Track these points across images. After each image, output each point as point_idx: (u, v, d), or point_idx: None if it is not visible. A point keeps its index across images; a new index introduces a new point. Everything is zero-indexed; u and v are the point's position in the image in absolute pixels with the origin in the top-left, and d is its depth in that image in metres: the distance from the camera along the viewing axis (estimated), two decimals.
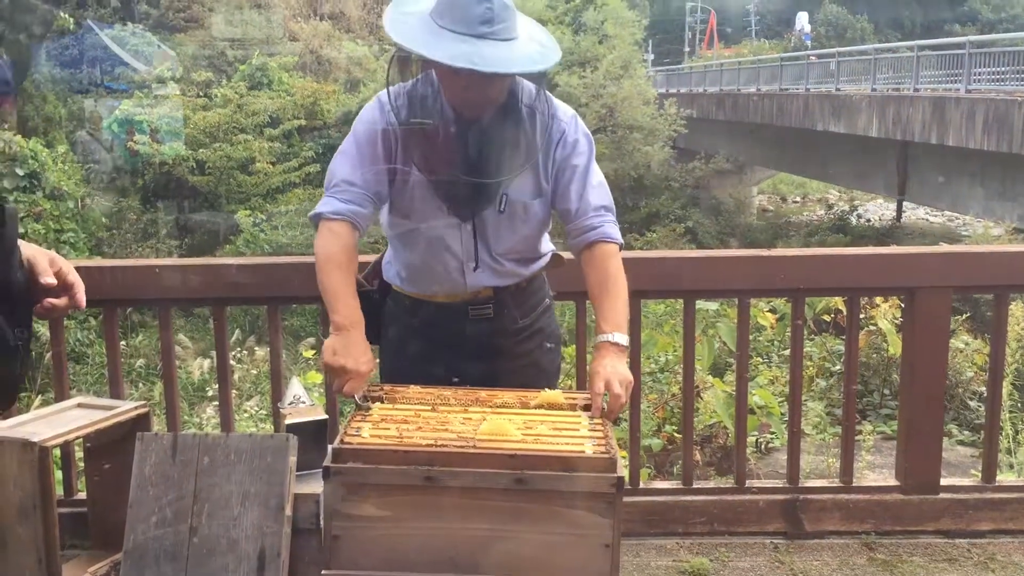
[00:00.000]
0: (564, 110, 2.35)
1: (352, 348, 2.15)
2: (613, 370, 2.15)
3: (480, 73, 2.03)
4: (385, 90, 2.26)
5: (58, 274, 1.59)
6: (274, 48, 23.18)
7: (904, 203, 24.75)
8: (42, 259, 1.58)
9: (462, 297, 2.38)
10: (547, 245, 2.52)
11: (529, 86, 2.29)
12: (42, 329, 3.06)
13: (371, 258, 2.65)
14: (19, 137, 14.40)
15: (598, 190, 2.35)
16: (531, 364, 2.46)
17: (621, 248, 2.37)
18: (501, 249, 2.36)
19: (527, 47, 2.12)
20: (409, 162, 2.26)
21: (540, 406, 2.11)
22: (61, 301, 1.59)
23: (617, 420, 4.49)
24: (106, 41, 20.25)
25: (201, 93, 20.86)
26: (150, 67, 20.26)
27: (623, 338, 2.24)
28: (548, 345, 2.52)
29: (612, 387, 2.10)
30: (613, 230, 2.35)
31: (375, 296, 2.50)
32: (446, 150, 2.22)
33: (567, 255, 2.58)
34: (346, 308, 2.19)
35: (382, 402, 2.14)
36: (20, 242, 1.54)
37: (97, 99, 18.91)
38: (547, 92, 2.30)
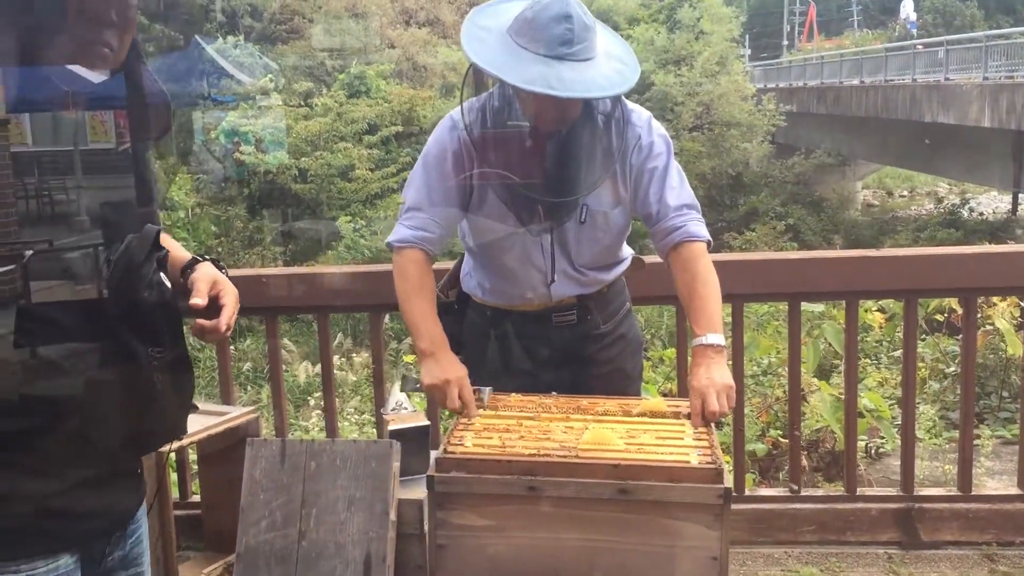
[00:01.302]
0: (639, 114, 2.30)
1: (443, 364, 2.17)
2: (709, 380, 2.10)
3: (557, 98, 2.01)
4: (458, 108, 2.25)
5: (215, 297, 1.62)
6: (371, 56, 23.59)
7: (1020, 196, 23.64)
8: (204, 282, 1.61)
9: (546, 305, 2.37)
10: (627, 250, 2.49)
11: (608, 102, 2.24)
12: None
13: (448, 265, 2.65)
14: (132, 150, 14.98)
15: (678, 190, 2.30)
16: (616, 370, 2.43)
17: (710, 245, 2.30)
18: (584, 260, 2.34)
19: (606, 67, 2.08)
20: (485, 177, 2.24)
21: (643, 414, 2.08)
22: (210, 324, 1.61)
23: (720, 424, 4.42)
24: (212, 55, 20.92)
25: (302, 103, 21.36)
26: (254, 79, 20.87)
27: (718, 338, 2.17)
28: (631, 350, 2.50)
29: (708, 403, 2.05)
30: (697, 228, 2.28)
31: (455, 307, 2.50)
32: (522, 164, 2.19)
33: (649, 259, 2.55)
34: (428, 333, 2.22)
35: (484, 409, 2.15)
36: (203, 263, 1.62)
37: (204, 111, 19.57)
38: (622, 98, 2.24)
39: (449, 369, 2.16)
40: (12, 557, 1.37)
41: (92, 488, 1.46)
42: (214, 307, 1.62)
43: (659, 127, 2.33)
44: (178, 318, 1.53)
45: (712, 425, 2.03)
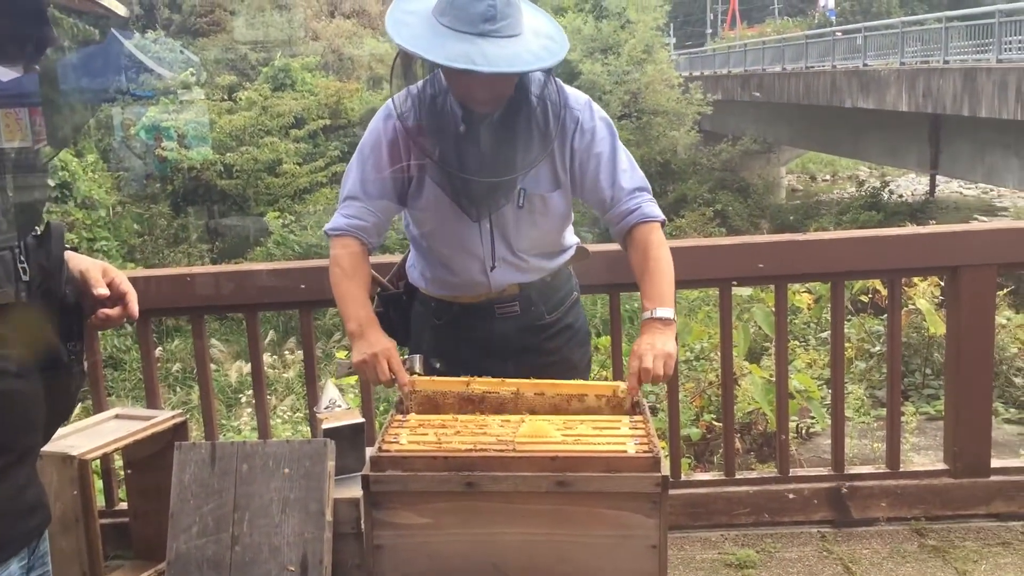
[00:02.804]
0: (576, 97, 2.29)
1: (370, 339, 2.17)
2: (650, 345, 2.12)
3: (481, 74, 1.99)
4: (391, 98, 2.23)
5: (111, 284, 1.59)
6: (296, 49, 23.24)
7: (937, 177, 24.38)
8: (94, 271, 1.59)
9: (487, 296, 2.34)
10: (571, 238, 2.47)
11: (539, 76, 2.21)
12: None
13: (396, 259, 2.62)
14: (48, 148, 14.53)
15: (630, 172, 2.30)
16: (561, 360, 2.41)
17: (663, 224, 2.32)
18: (523, 245, 2.31)
19: (532, 43, 2.06)
20: (421, 163, 2.24)
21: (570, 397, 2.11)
22: (115, 311, 1.60)
23: (655, 410, 4.43)
24: (130, 49, 20.40)
25: (225, 97, 20.97)
26: (174, 73, 20.39)
27: (666, 311, 2.19)
28: (577, 340, 2.49)
29: (644, 362, 2.09)
30: (651, 208, 2.30)
31: (403, 298, 2.48)
32: (457, 149, 2.18)
33: (593, 247, 2.54)
34: (356, 315, 2.22)
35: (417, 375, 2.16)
36: (73, 255, 1.55)
37: (124, 107, 19.07)
38: (557, 81, 2.23)
39: (376, 343, 2.16)
40: None
41: (26, 485, 1.47)
42: (115, 295, 1.60)
43: (600, 111, 2.32)
44: (81, 311, 1.52)
45: (647, 411, 2.03)
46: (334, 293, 2.28)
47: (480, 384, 2.11)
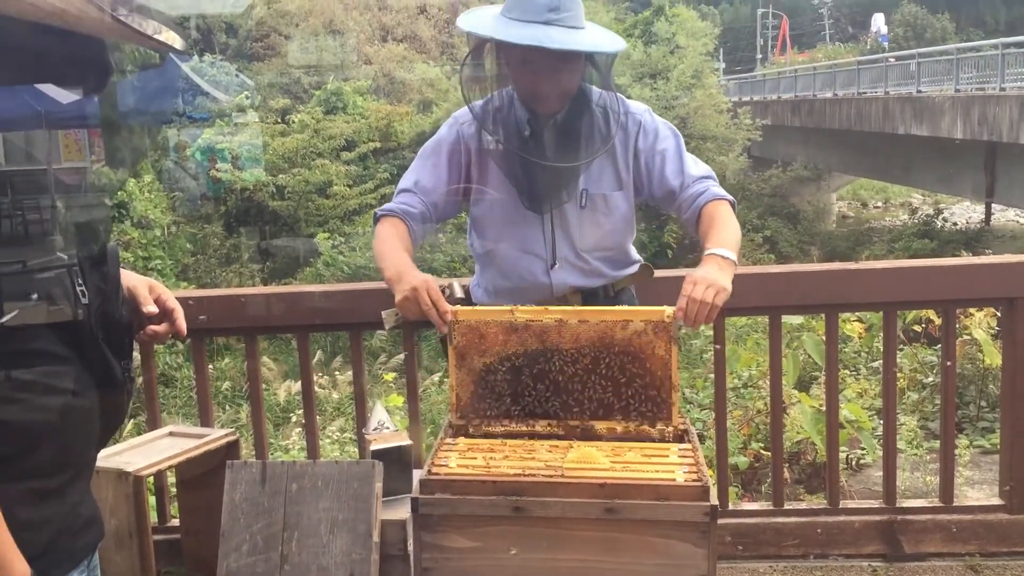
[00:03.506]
0: (637, 105, 2.43)
1: (406, 278, 2.18)
2: (704, 274, 2.09)
3: (547, 51, 2.13)
4: (464, 108, 2.40)
5: (158, 301, 1.64)
6: (348, 73, 23.59)
7: (993, 205, 23.93)
8: (142, 288, 1.63)
9: (549, 303, 2.36)
10: (635, 254, 2.52)
11: (600, 91, 2.36)
12: (134, 354, 3.15)
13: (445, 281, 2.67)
14: (107, 168, 14.88)
15: (694, 164, 2.38)
16: None
17: (734, 206, 2.34)
18: (586, 245, 2.37)
19: (594, 35, 2.23)
20: (484, 164, 2.36)
21: (627, 431, 2.07)
22: (162, 328, 1.65)
23: (702, 438, 4.38)
24: (187, 72, 20.85)
25: (279, 119, 21.33)
26: (229, 96, 20.80)
27: (728, 252, 2.17)
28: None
29: (695, 289, 2.05)
30: (720, 191, 2.34)
31: None
32: (521, 143, 2.31)
33: (660, 273, 2.56)
34: (392, 261, 2.26)
35: (467, 431, 2.13)
36: (121, 271, 1.59)
37: (180, 129, 19.48)
38: (619, 94, 2.36)
39: (414, 278, 2.17)
40: None
41: (82, 500, 1.51)
42: (162, 312, 1.66)
43: (661, 118, 2.43)
44: (132, 330, 1.58)
45: (696, 439, 2.02)
46: (375, 256, 2.35)
47: (524, 312, 2.08)
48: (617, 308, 2.10)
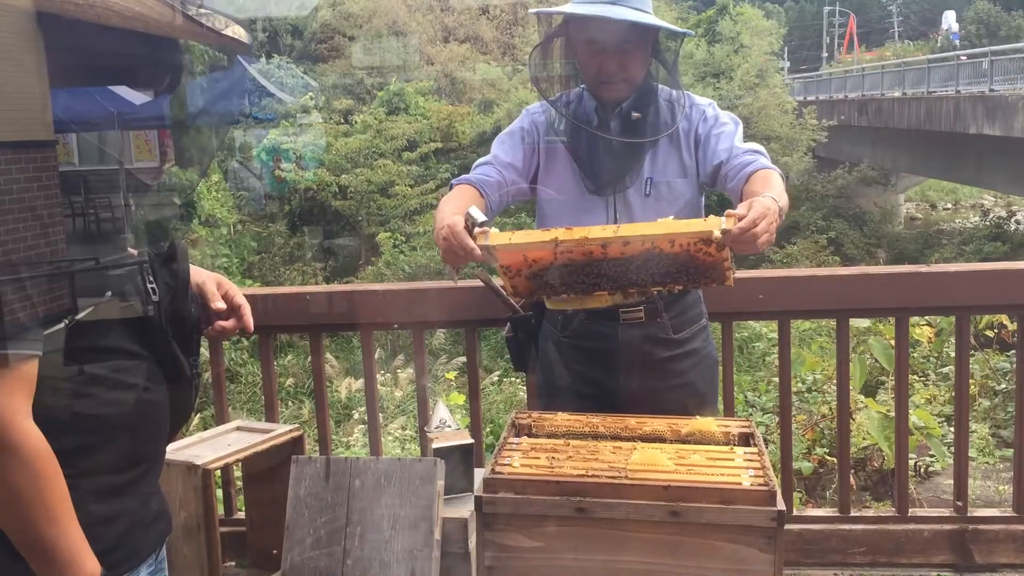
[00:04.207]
0: (702, 99, 2.46)
1: (437, 232, 2.14)
2: (769, 209, 1.92)
3: (612, 24, 2.21)
4: (536, 103, 2.50)
5: (225, 297, 1.66)
6: (410, 73, 23.79)
7: None
8: (211, 284, 1.66)
9: (612, 300, 2.35)
10: None
11: (668, 88, 2.41)
12: (202, 350, 3.23)
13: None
14: (178, 168, 15.22)
15: (750, 144, 2.36)
16: (687, 384, 2.40)
17: (784, 178, 2.23)
18: None
19: (659, 19, 2.31)
20: (553, 146, 2.42)
21: (691, 434, 2.05)
22: (230, 324, 1.67)
23: (766, 442, 4.34)
24: (254, 74, 21.23)
25: (342, 120, 21.59)
26: (294, 97, 21.12)
27: (779, 197, 2.03)
28: (705, 366, 2.47)
29: (760, 225, 1.87)
30: (770, 163, 2.26)
31: (531, 320, 2.53)
32: (588, 124, 2.38)
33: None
34: (440, 216, 2.17)
35: (530, 431, 2.13)
36: (190, 268, 1.62)
37: (246, 129, 19.83)
38: (684, 89, 2.41)
39: (440, 230, 2.11)
40: None
41: (152, 493, 1.55)
42: (230, 308, 1.68)
43: (726, 112, 2.46)
44: (199, 327, 1.60)
45: (762, 443, 2.00)
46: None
47: (565, 241, 1.93)
48: (661, 223, 1.94)
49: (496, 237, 1.99)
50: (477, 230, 2.04)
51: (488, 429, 5.74)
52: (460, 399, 6.01)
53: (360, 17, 26.28)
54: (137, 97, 1.64)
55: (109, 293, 1.43)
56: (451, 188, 2.43)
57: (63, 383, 1.38)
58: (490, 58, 25.97)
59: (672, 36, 2.39)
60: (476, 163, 2.49)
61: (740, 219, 1.86)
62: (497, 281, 2.26)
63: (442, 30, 27.28)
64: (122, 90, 1.60)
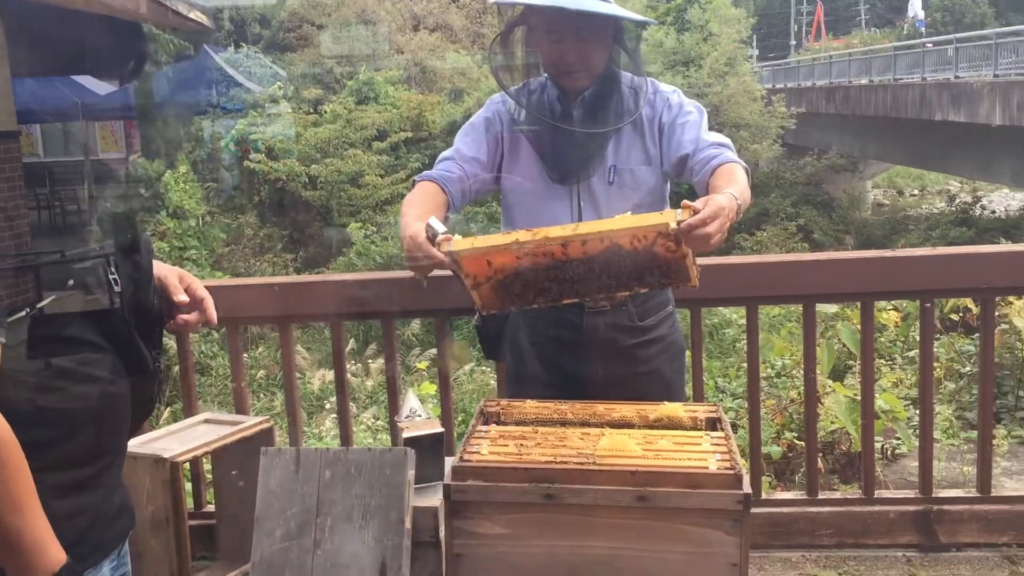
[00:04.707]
0: (667, 87, 2.46)
1: (404, 234, 2.16)
2: (725, 208, 1.93)
3: (569, 13, 2.19)
4: (498, 93, 2.48)
5: (188, 290, 1.65)
6: (380, 62, 23.64)
7: None
8: (172, 277, 1.65)
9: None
10: None
11: (630, 75, 2.40)
12: (170, 343, 3.21)
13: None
14: (143, 159, 15.06)
15: (715, 136, 2.36)
16: (653, 372, 2.42)
17: (748, 173, 2.23)
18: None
19: (621, 8, 2.29)
20: (516, 136, 2.41)
21: (659, 419, 2.07)
22: (193, 317, 1.66)
23: (735, 427, 4.36)
24: (221, 63, 21.01)
25: (311, 110, 21.43)
26: (263, 87, 20.94)
27: (739, 193, 2.05)
28: (671, 354, 2.48)
29: (712, 224, 1.87)
30: (735, 157, 2.26)
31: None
32: (551, 113, 2.37)
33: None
34: (404, 228, 2.19)
35: (499, 419, 2.14)
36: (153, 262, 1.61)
37: (214, 119, 19.64)
38: (648, 78, 2.40)
39: (404, 239, 2.15)
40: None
41: (115, 487, 1.53)
42: (193, 301, 1.67)
43: (690, 100, 2.45)
44: (162, 319, 1.59)
45: (729, 427, 2.01)
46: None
47: (525, 242, 1.95)
48: (618, 219, 1.96)
49: (459, 243, 2.00)
50: (440, 238, 2.04)
51: (460, 418, 5.74)
52: (432, 389, 6.01)
53: (328, 5, 26.07)
54: (102, 87, 1.62)
55: (72, 282, 1.42)
56: (414, 184, 2.43)
57: (25, 376, 1.36)
58: (460, 47, 25.88)
59: (634, 24, 2.40)
60: (439, 157, 2.49)
61: (696, 212, 1.88)
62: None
63: (411, 19, 27.13)
64: (87, 80, 1.59)
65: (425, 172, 2.45)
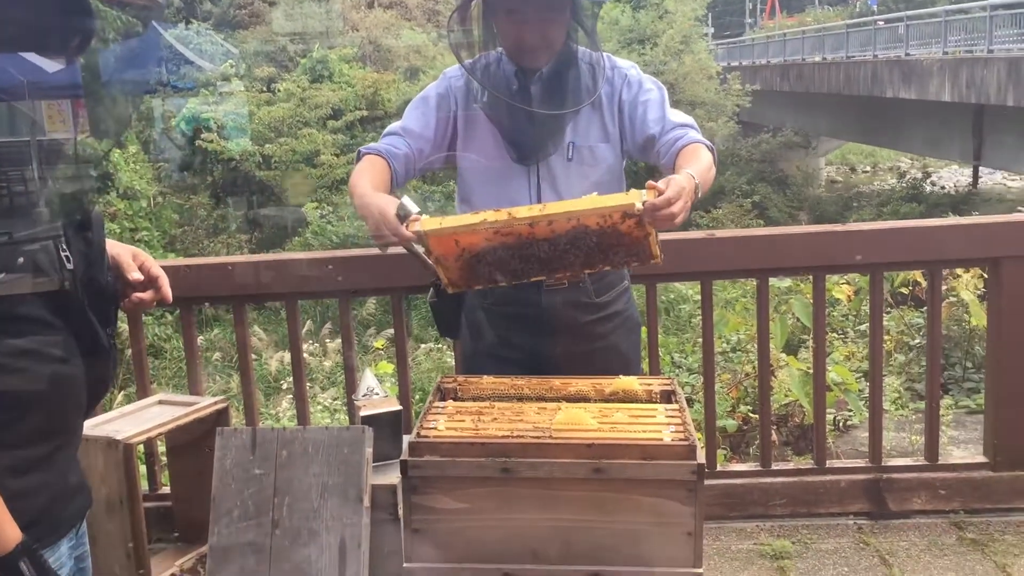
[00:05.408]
0: (624, 62, 2.46)
1: (367, 213, 2.18)
2: (687, 188, 1.98)
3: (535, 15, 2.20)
4: (454, 66, 2.44)
5: (142, 268, 1.64)
6: (334, 40, 23.35)
7: (980, 168, 23.97)
8: (126, 255, 1.63)
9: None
10: None
11: (587, 50, 2.39)
12: (122, 325, 3.17)
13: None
14: (91, 139, 14.72)
15: (679, 116, 2.36)
16: (610, 347, 2.43)
17: (714, 153, 2.26)
18: (573, 197, 2.35)
19: None
20: (471, 114, 2.39)
21: (615, 393, 2.09)
22: (147, 295, 1.65)
23: (691, 401, 4.41)
24: (171, 41, 20.64)
25: (264, 88, 21.12)
26: (214, 65, 20.60)
27: (699, 173, 2.09)
28: (627, 328, 2.50)
29: (675, 204, 1.92)
30: (700, 137, 2.29)
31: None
32: (509, 92, 2.35)
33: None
34: (360, 194, 2.23)
35: (456, 395, 2.14)
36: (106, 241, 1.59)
37: (164, 99, 19.29)
38: (605, 53, 2.40)
39: (370, 213, 2.15)
40: None
41: (70, 467, 1.51)
42: (147, 279, 1.66)
43: (649, 76, 2.45)
44: (117, 297, 1.58)
45: (683, 400, 2.04)
46: (349, 191, 2.36)
47: (492, 223, 1.98)
48: (585, 199, 1.99)
49: (427, 223, 2.01)
50: (411, 218, 2.06)
51: (418, 396, 5.74)
52: (389, 368, 6.00)
53: None
54: (49, 65, 1.59)
55: (22, 261, 1.39)
56: (359, 157, 2.41)
57: None
58: (415, 24, 25.66)
59: (591, 2, 2.39)
60: (385, 131, 2.46)
61: (660, 193, 1.92)
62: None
63: None
64: (32, 57, 1.56)
65: (371, 144, 2.43)
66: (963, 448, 4.09)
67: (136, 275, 1.63)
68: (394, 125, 2.47)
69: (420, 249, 2.10)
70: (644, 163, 2.58)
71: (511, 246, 2.00)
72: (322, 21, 24.40)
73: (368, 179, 2.28)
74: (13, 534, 1.32)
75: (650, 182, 1.96)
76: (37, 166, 1.57)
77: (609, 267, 2.09)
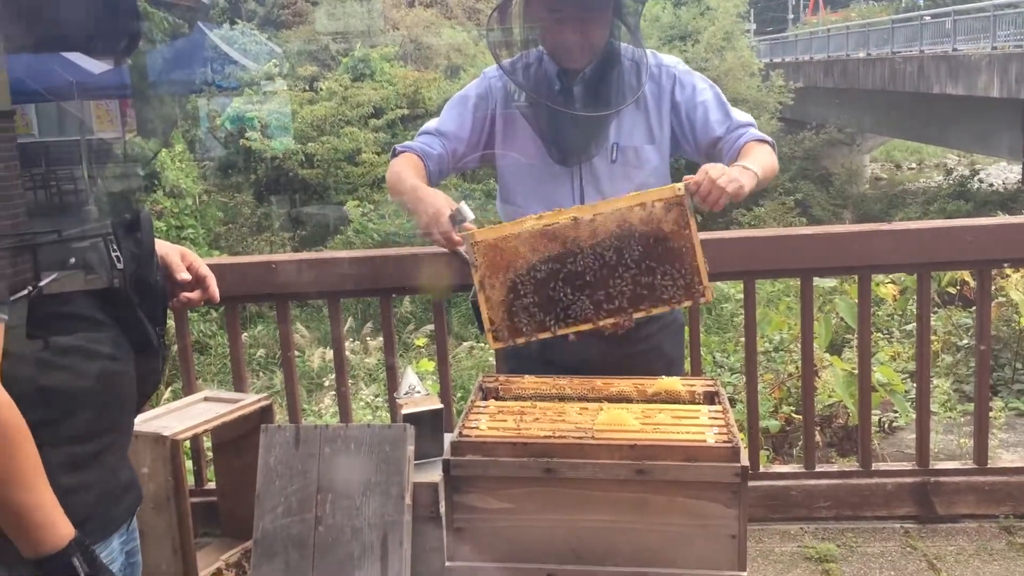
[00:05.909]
0: (669, 58, 2.44)
1: (423, 207, 2.21)
2: (723, 169, 2.11)
3: (580, 19, 2.20)
4: (494, 65, 2.43)
5: (190, 268, 1.66)
6: (375, 39, 23.47)
7: None
8: (174, 255, 1.65)
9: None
10: None
11: (630, 47, 2.36)
12: (168, 322, 3.20)
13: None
14: (139, 139, 14.94)
15: (741, 115, 2.39)
16: (653, 349, 2.42)
17: (774, 148, 2.33)
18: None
19: None
20: (512, 114, 2.38)
21: (657, 394, 2.08)
22: (196, 295, 1.67)
23: (733, 402, 4.38)
24: (216, 41, 20.86)
25: (307, 87, 21.29)
26: (258, 64, 20.80)
27: (751, 165, 2.19)
28: (671, 330, 2.49)
29: (713, 171, 2.07)
30: (761, 134, 2.35)
31: None
32: (551, 95, 2.33)
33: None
34: (407, 187, 2.28)
35: (497, 394, 2.14)
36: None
37: (209, 98, 19.51)
38: (649, 50, 2.38)
39: (424, 213, 2.20)
40: None
41: (121, 464, 1.54)
42: (195, 279, 1.69)
43: (695, 71, 2.45)
44: (166, 296, 1.60)
45: (727, 401, 2.02)
46: (389, 188, 2.41)
47: (537, 217, 2.10)
48: (628, 195, 2.11)
49: (481, 233, 2.10)
50: (465, 224, 2.12)
51: (459, 395, 5.75)
52: (430, 366, 6.02)
53: None
54: (96, 66, 1.62)
55: (73, 260, 1.42)
56: (395, 154, 2.43)
57: (28, 354, 1.37)
58: (455, 22, 25.72)
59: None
60: (421, 129, 2.48)
61: (698, 184, 2.03)
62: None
63: None
64: (80, 58, 1.58)
65: (407, 143, 2.44)
66: (1013, 451, 4.01)
67: (184, 275, 1.65)
68: (429, 124, 2.48)
69: (467, 258, 2.13)
70: (684, 160, 2.58)
71: (554, 258, 2.04)
72: (364, 20, 24.54)
73: (407, 175, 2.30)
74: (66, 530, 1.34)
75: (687, 176, 2.06)
76: (86, 165, 1.59)
77: (655, 306, 2.12)
